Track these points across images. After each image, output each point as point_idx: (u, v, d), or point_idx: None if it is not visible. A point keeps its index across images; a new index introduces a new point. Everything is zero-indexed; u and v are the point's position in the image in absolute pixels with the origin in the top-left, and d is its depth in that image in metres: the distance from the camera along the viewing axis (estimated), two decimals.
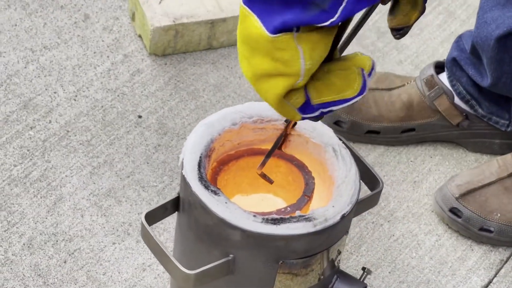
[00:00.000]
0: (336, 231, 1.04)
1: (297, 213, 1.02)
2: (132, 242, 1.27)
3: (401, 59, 1.58)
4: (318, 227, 1.01)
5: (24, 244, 1.24)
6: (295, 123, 1.10)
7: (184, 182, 1.03)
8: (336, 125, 1.42)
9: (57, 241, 1.25)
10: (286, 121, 1.11)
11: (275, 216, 1.01)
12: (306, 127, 1.10)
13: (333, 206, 1.03)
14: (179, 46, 1.51)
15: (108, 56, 1.50)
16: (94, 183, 1.33)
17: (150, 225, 1.05)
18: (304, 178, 1.09)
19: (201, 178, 1.03)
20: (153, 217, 1.06)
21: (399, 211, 1.37)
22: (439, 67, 1.43)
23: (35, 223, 1.27)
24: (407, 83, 1.43)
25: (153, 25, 1.47)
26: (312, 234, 1.00)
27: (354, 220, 1.34)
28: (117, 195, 1.31)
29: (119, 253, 1.25)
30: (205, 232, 1.03)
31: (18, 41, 1.49)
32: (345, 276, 1.12)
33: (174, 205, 1.08)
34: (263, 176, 1.10)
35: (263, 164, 1.08)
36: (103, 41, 1.52)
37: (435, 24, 1.64)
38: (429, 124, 1.42)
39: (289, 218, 1.01)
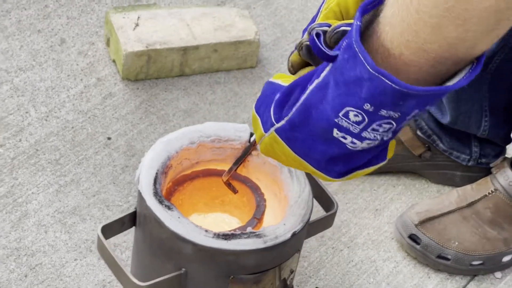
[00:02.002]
0: (287, 249, 1.06)
1: (248, 229, 1.04)
2: (93, 259, 1.29)
3: None
4: (268, 244, 1.03)
5: None
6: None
7: (140, 197, 1.06)
8: None
9: (19, 255, 1.27)
10: (250, 141, 1.13)
11: (226, 232, 1.03)
12: None
13: (284, 224, 1.05)
14: (151, 71, 1.55)
15: (81, 79, 1.53)
16: (60, 200, 1.35)
17: (107, 238, 1.07)
18: (256, 200, 1.11)
19: (156, 193, 1.05)
20: (109, 230, 1.08)
21: (359, 238, 1.39)
22: None
23: None
24: None
25: (126, 50, 1.50)
26: (262, 250, 1.03)
27: (315, 244, 1.36)
28: (82, 213, 1.34)
29: (80, 269, 1.27)
30: (159, 245, 1.06)
31: None
32: None
33: (131, 219, 1.10)
34: (228, 185, 1.12)
35: (229, 172, 1.10)
36: (77, 64, 1.55)
37: None
38: None
39: (240, 234, 1.03)
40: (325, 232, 1.37)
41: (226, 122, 1.15)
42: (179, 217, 1.03)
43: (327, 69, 0.80)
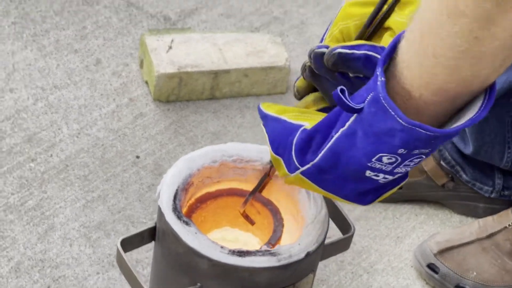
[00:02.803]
0: (301, 268, 1.08)
1: (263, 247, 1.06)
2: (115, 273, 1.31)
3: None
4: (282, 262, 1.05)
5: (11, 268, 1.30)
6: None
7: (160, 212, 1.08)
8: None
9: (43, 267, 1.31)
10: (270, 163, 1.15)
11: (241, 249, 1.05)
12: None
13: (299, 244, 1.07)
14: (182, 93, 1.58)
15: (114, 99, 1.57)
16: (86, 215, 1.38)
17: (126, 251, 1.10)
18: (274, 225, 1.13)
19: (175, 209, 1.08)
20: (129, 243, 1.11)
21: (379, 264, 1.40)
22: None
23: (25, 249, 1.32)
24: None
25: (158, 72, 1.54)
26: (276, 269, 1.04)
27: (334, 268, 1.38)
28: (107, 228, 1.37)
29: (101, 282, 1.30)
30: (176, 260, 1.08)
31: (30, 80, 1.57)
32: None
33: (151, 234, 1.12)
34: (245, 216, 1.14)
35: (245, 202, 1.13)
36: (111, 84, 1.59)
37: None
38: (415, 183, 1.46)
39: (255, 251, 1.05)
40: (345, 256, 1.39)
41: (249, 143, 1.17)
42: (196, 233, 1.05)
43: (352, 119, 0.83)
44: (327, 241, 1.14)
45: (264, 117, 0.95)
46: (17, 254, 1.31)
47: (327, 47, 0.89)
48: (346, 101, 0.82)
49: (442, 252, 1.36)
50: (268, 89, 1.63)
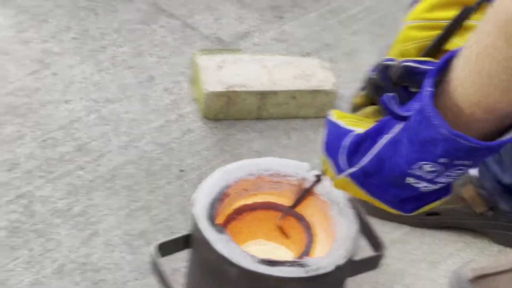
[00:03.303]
0: (328, 281, 1.10)
1: (291, 256, 1.09)
2: (153, 280, 1.35)
3: None
4: (310, 274, 1.07)
5: (54, 269, 1.34)
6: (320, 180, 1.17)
7: (194, 220, 1.12)
8: (364, 200, 1.48)
9: (85, 270, 1.35)
10: (316, 175, 1.17)
11: (270, 258, 1.08)
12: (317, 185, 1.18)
13: (328, 257, 1.10)
14: (230, 112, 1.62)
15: (164, 115, 1.62)
16: (129, 224, 1.42)
17: (161, 256, 1.14)
18: (306, 240, 1.16)
19: (209, 217, 1.11)
20: (164, 249, 1.14)
21: (413, 287, 1.41)
22: None
23: (69, 252, 1.37)
24: None
25: (207, 90, 1.59)
26: (304, 280, 1.07)
27: None
28: (148, 237, 1.41)
29: None
30: (207, 267, 1.11)
31: (85, 92, 1.63)
32: None
33: (186, 241, 1.16)
34: (281, 230, 1.18)
35: (284, 215, 1.16)
36: (162, 100, 1.64)
37: None
38: (454, 210, 1.47)
39: (284, 262, 1.08)
40: (379, 278, 1.40)
41: (286, 159, 1.21)
42: (227, 241, 1.09)
43: (399, 126, 0.87)
44: (357, 258, 1.16)
45: (326, 122, 0.99)
46: (61, 256, 1.36)
47: (393, 60, 0.93)
48: (394, 108, 0.85)
49: (477, 278, 1.37)
50: (315, 112, 1.66)
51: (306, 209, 1.19)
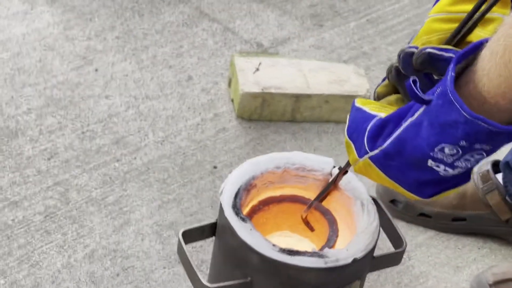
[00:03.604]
0: (347, 274, 1.13)
1: (313, 249, 1.12)
2: (180, 269, 1.39)
3: None
4: (329, 265, 1.10)
5: (86, 254, 1.39)
6: (346, 172, 1.20)
7: (220, 208, 1.16)
8: (392, 203, 1.51)
9: (115, 256, 1.40)
10: (339, 168, 1.21)
11: (291, 248, 1.11)
12: (342, 180, 1.21)
13: (347, 250, 1.13)
14: (265, 113, 1.66)
15: (200, 113, 1.66)
16: (160, 215, 1.47)
17: (187, 243, 1.18)
18: (328, 234, 1.19)
19: (235, 206, 1.15)
20: (189, 235, 1.18)
21: None
22: (498, 165, 1.51)
23: (100, 239, 1.42)
24: None
25: (243, 90, 1.63)
26: (322, 270, 1.10)
27: None
28: (178, 228, 1.45)
29: (167, 276, 1.38)
30: (230, 253, 1.15)
31: (125, 89, 1.68)
32: None
33: (211, 229, 1.20)
34: (306, 223, 1.21)
35: (309, 207, 1.19)
36: (199, 100, 1.69)
37: None
38: (479, 216, 1.49)
39: (304, 252, 1.11)
40: (403, 278, 1.43)
41: (313, 154, 1.24)
42: (251, 229, 1.12)
43: (421, 110, 0.90)
44: (378, 253, 1.19)
45: (352, 108, 1.02)
46: (92, 242, 1.41)
47: (416, 47, 0.96)
48: (417, 91, 0.88)
49: (498, 283, 1.39)
50: (347, 117, 1.69)
51: (331, 204, 1.23)
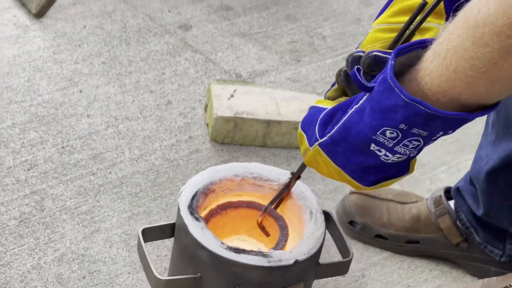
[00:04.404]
0: (289, 274, 1.21)
1: (258, 248, 1.20)
2: (144, 276, 1.47)
3: (432, 188, 1.74)
4: (272, 264, 1.19)
5: (55, 257, 1.48)
6: (299, 177, 1.29)
7: (178, 208, 1.25)
8: (350, 224, 1.59)
9: (83, 261, 1.48)
10: (291, 173, 1.29)
11: (237, 247, 1.20)
12: (296, 190, 1.30)
13: (290, 252, 1.21)
14: (237, 137, 1.75)
15: (176, 135, 1.76)
16: (130, 225, 1.55)
17: (146, 241, 1.26)
18: (278, 239, 1.28)
19: (190, 206, 1.24)
20: (149, 234, 1.27)
21: None
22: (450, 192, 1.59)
23: (70, 244, 1.50)
24: (420, 200, 1.59)
25: (217, 114, 1.72)
26: (265, 269, 1.18)
27: None
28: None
29: (130, 281, 1.46)
30: (184, 251, 1.24)
31: (107, 109, 1.78)
32: None
33: (170, 229, 1.29)
34: (262, 228, 1.30)
35: (264, 212, 1.28)
36: (176, 123, 1.78)
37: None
38: (432, 239, 1.57)
39: (250, 251, 1.19)
40: None
41: (270, 166, 1.33)
42: (202, 228, 1.21)
43: (364, 97, 0.99)
44: (324, 261, 1.27)
45: (309, 108, 1.12)
46: (63, 247, 1.49)
47: (363, 51, 1.05)
48: (360, 79, 0.97)
49: None
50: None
51: (285, 212, 1.31)
